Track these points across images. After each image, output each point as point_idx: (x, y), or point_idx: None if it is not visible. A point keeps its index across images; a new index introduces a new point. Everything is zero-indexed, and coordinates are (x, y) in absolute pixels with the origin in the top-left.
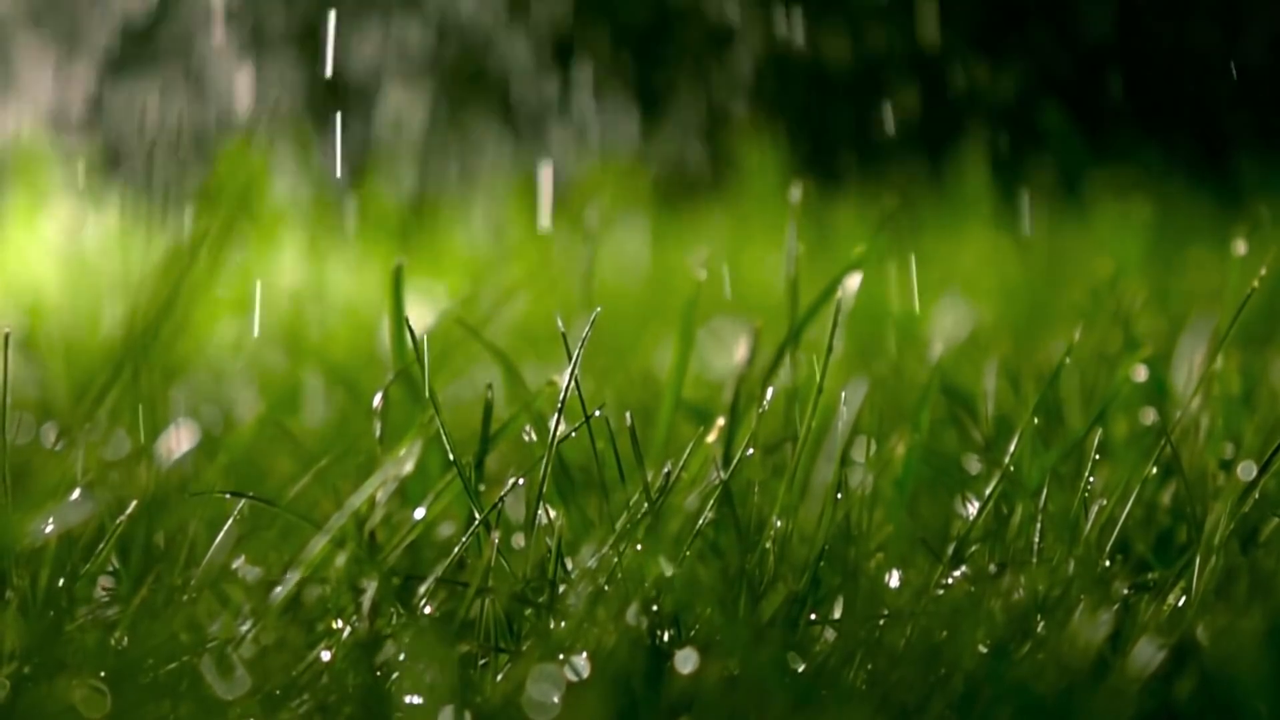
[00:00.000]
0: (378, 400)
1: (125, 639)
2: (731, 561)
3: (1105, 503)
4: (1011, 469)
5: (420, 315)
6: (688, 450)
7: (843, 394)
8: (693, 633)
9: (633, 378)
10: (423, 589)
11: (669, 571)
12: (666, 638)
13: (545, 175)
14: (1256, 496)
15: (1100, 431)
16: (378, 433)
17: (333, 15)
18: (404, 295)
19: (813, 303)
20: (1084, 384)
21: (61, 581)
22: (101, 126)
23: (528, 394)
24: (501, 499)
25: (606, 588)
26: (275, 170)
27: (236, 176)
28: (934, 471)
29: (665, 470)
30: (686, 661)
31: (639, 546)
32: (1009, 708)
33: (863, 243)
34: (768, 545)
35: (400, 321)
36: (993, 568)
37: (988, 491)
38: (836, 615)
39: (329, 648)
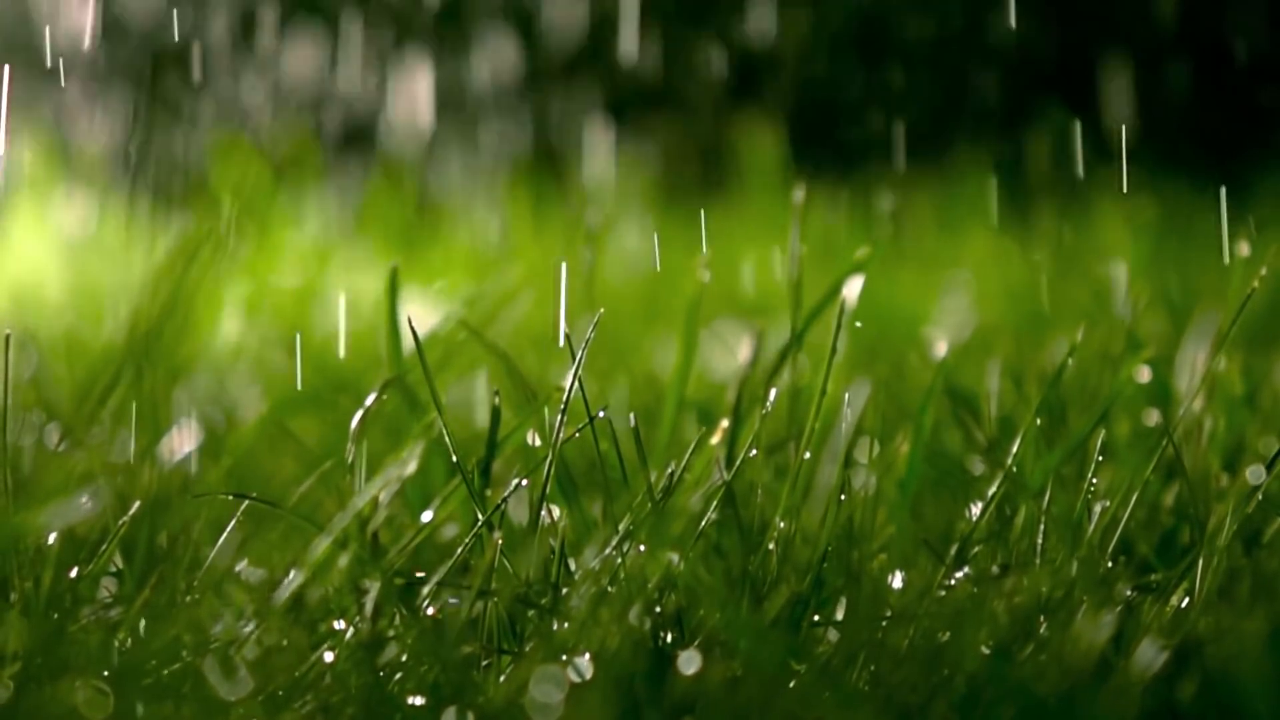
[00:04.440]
0: (371, 399)
1: (128, 640)
2: (735, 562)
3: (1108, 504)
4: (1014, 470)
5: (423, 316)
6: (690, 451)
7: (846, 395)
8: (696, 634)
9: (636, 379)
10: (425, 590)
11: (676, 560)
12: (670, 639)
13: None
14: (1259, 498)
15: (1103, 433)
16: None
17: (333, 17)
18: (399, 298)
19: (816, 304)
20: (1087, 385)
21: (65, 582)
22: (106, 127)
23: (531, 397)
24: (504, 500)
25: (610, 589)
26: (278, 171)
27: (240, 178)
28: (937, 473)
29: (669, 471)
30: (690, 663)
31: (642, 547)
32: (1011, 709)
33: (866, 244)
34: (771, 546)
35: (394, 326)
36: (995, 569)
37: (990, 492)
38: (839, 616)
39: (332, 649)
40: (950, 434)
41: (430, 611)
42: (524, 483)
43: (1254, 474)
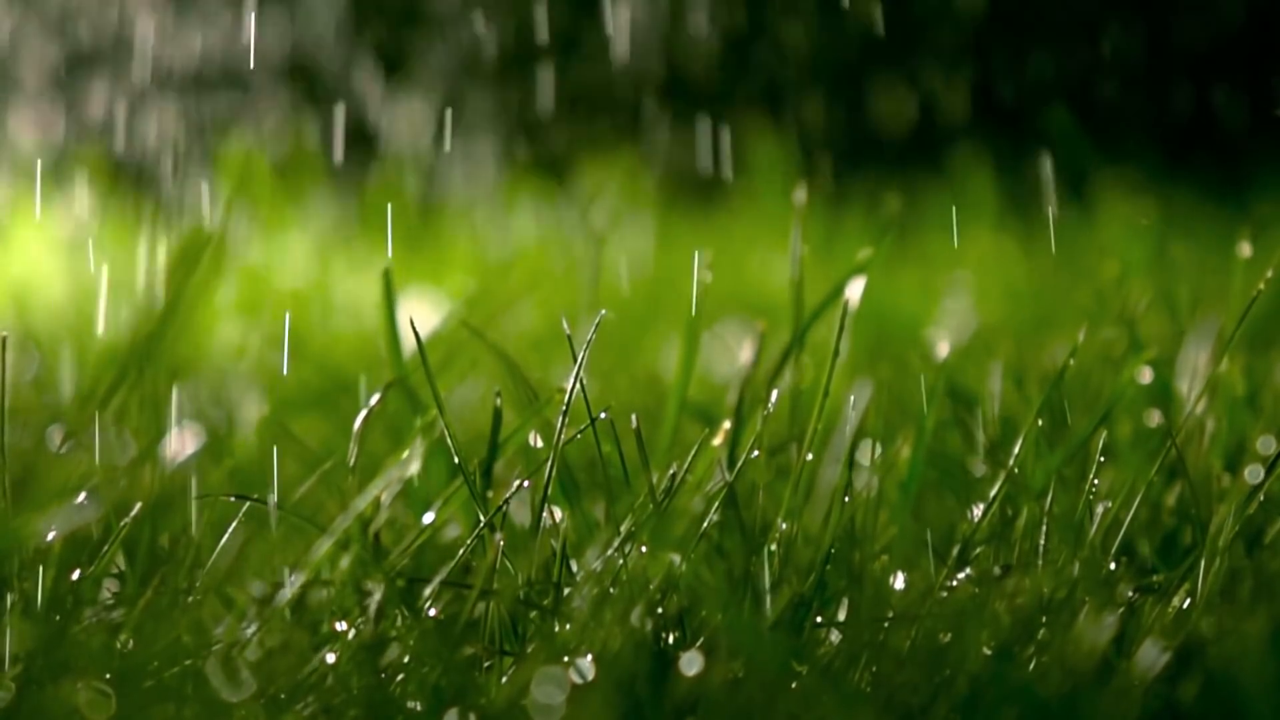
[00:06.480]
0: (374, 400)
1: (130, 641)
2: (737, 564)
3: (1110, 505)
4: (1016, 471)
5: (425, 318)
6: (693, 452)
7: (848, 396)
8: (698, 635)
9: (638, 380)
10: (428, 591)
11: (678, 561)
12: (671, 640)
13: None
14: (1261, 499)
15: (1105, 433)
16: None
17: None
18: (395, 300)
19: (818, 305)
20: (1089, 386)
21: (67, 584)
22: (108, 127)
23: (533, 398)
24: (506, 501)
25: (611, 590)
26: (282, 173)
27: (242, 178)
28: (939, 474)
29: (671, 472)
30: (691, 664)
31: (644, 549)
32: (1014, 710)
33: (868, 244)
34: (773, 547)
35: (393, 327)
36: (997, 570)
37: (992, 494)
38: (842, 617)
39: (334, 650)
40: (952, 435)
41: (432, 613)
42: (526, 484)
43: (1250, 472)
